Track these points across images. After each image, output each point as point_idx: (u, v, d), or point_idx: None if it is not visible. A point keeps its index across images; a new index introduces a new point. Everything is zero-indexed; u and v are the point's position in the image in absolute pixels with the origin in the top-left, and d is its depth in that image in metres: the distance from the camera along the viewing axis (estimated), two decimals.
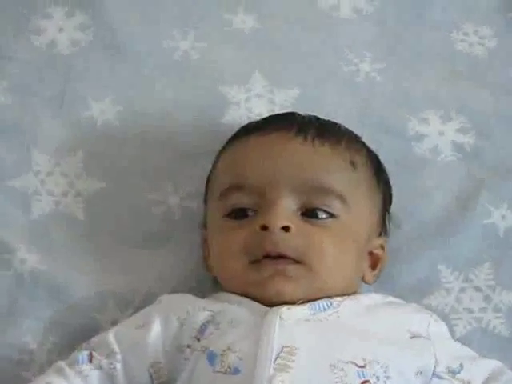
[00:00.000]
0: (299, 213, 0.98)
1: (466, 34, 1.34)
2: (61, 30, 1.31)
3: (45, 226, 1.16)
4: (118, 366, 0.95)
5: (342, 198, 0.99)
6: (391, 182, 1.12)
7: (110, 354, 0.96)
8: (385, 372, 0.88)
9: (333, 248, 0.97)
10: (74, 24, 1.32)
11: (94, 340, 1.00)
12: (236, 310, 0.96)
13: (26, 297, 1.09)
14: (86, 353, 0.97)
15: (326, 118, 1.11)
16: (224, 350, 0.90)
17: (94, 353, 0.97)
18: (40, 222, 1.16)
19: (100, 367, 0.96)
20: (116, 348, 0.97)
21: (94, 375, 0.95)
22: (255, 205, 1.00)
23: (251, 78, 1.28)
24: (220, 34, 1.32)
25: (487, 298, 1.09)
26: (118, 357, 0.96)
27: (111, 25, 1.32)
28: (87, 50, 1.30)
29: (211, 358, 0.91)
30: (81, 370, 0.95)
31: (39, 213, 1.17)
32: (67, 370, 0.95)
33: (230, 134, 1.12)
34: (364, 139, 1.11)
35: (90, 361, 0.96)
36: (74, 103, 1.25)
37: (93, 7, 1.33)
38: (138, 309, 1.05)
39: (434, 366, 0.93)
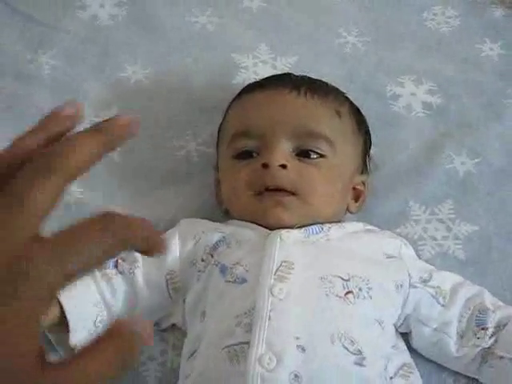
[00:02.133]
0: (294, 153, 0.96)
1: (435, 14, 1.33)
2: (101, 6, 1.29)
3: None
4: (137, 271, 0.94)
5: (329, 141, 0.97)
6: (373, 133, 1.09)
7: (133, 262, 0.95)
8: (367, 284, 0.87)
9: (322, 182, 0.95)
10: (112, 1, 1.30)
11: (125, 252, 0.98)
12: (243, 232, 0.95)
13: (71, 222, 1.07)
14: (113, 260, 0.96)
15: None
16: (233, 264, 0.89)
17: (119, 260, 0.96)
18: None
19: (122, 272, 0.95)
20: (139, 257, 0.96)
21: (117, 278, 0.94)
22: (258, 148, 0.97)
23: (258, 47, 1.25)
24: (232, 11, 1.30)
25: (448, 228, 1.07)
26: (139, 264, 0.95)
27: (142, 3, 1.30)
28: (123, 24, 1.28)
29: (223, 269, 0.90)
30: (107, 273, 0.94)
31: None
32: (97, 272, 0.95)
33: None
34: (351, 98, 1.08)
35: (116, 266, 0.95)
36: (111, 66, 1.23)
37: None
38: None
39: (409, 279, 0.92)
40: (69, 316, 0.88)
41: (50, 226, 1.03)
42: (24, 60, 1.23)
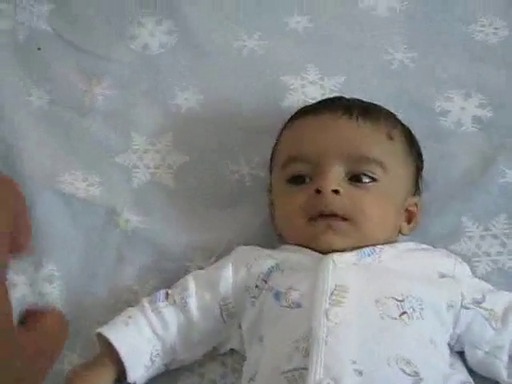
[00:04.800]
0: (347, 178, 0.97)
1: (482, 25, 1.30)
2: (152, 35, 1.32)
3: (143, 193, 1.17)
4: (189, 300, 0.97)
5: (381, 165, 0.98)
6: (423, 151, 1.09)
7: (185, 290, 0.98)
8: (420, 304, 0.88)
9: (374, 207, 0.96)
10: (162, 30, 1.32)
11: (179, 281, 1.02)
12: (296, 257, 0.96)
13: (131, 249, 1.11)
14: (163, 291, 1.00)
15: (368, 100, 1.09)
16: (287, 289, 0.91)
17: (170, 291, 0.99)
18: (139, 190, 1.17)
19: (174, 302, 0.98)
20: (192, 285, 0.99)
21: (167, 310, 0.97)
22: (311, 172, 0.99)
23: (306, 68, 1.26)
24: (279, 33, 1.31)
25: (503, 244, 1.07)
26: (191, 292, 0.98)
27: (192, 30, 1.32)
28: (173, 51, 1.31)
29: (277, 295, 0.92)
30: (156, 307, 0.97)
31: (138, 183, 1.18)
32: (146, 305, 0.98)
33: (289, 115, 1.11)
34: (399, 116, 1.09)
35: (166, 298, 0.98)
36: (164, 94, 1.26)
37: (177, 16, 1.33)
38: (219, 257, 1.06)
39: (461, 300, 0.92)
40: (124, 358, 0.93)
41: (108, 254, 1.08)
42: (79, 90, 1.27)
